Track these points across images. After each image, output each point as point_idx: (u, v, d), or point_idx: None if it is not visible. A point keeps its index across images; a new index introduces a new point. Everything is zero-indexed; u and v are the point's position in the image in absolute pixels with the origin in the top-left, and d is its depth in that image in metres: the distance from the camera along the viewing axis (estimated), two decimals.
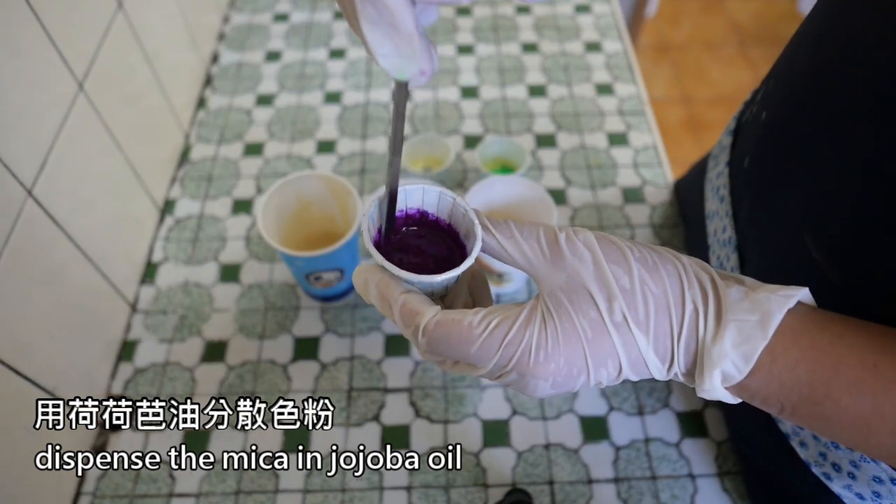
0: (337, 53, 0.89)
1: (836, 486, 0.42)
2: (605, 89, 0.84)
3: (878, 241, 0.35)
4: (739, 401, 0.30)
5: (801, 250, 0.40)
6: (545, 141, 0.78)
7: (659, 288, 0.29)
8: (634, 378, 0.30)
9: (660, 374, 0.30)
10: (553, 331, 0.28)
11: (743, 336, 0.28)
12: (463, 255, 0.33)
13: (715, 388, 0.29)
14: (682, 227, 0.70)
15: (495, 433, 0.56)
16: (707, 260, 0.55)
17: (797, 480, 0.46)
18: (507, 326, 0.28)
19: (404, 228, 0.35)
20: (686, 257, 0.30)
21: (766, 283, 0.29)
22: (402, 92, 0.29)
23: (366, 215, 0.32)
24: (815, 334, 0.28)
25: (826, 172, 0.39)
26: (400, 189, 0.33)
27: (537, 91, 0.83)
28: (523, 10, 0.94)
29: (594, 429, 0.56)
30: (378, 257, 0.30)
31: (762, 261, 0.46)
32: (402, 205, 0.34)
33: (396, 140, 0.30)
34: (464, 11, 0.94)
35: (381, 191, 0.33)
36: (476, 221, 0.31)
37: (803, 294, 0.29)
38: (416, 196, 0.34)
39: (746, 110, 0.53)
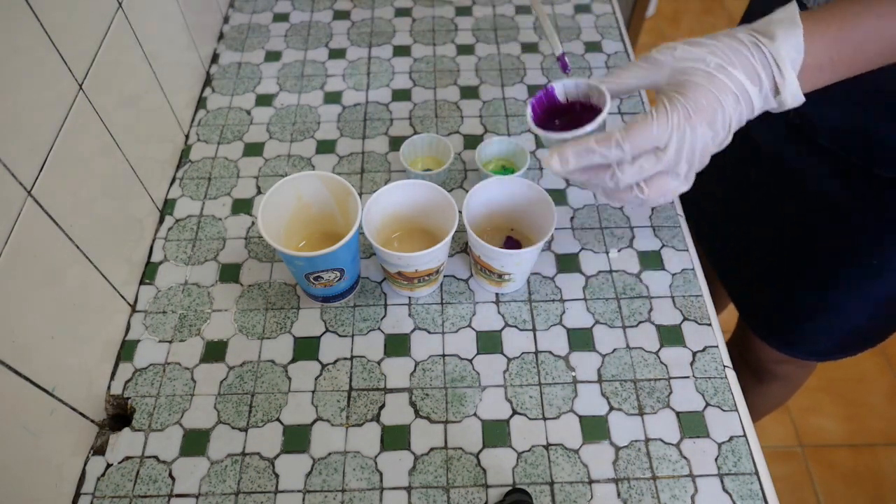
0: (337, 53, 0.89)
1: None
2: None
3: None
4: (804, 95, 0.44)
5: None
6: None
7: (727, 46, 0.44)
8: (745, 111, 0.44)
9: (757, 97, 0.43)
10: (691, 95, 0.43)
11: (786, 32, 0.42)
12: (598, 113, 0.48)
13: (791, 76, 0.42)
14: None
15: (495, 433, 0.56)
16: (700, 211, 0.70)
17: None
18: (664, 108, 0.44)
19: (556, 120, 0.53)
20: (733, 28, 0.46)
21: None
22: None
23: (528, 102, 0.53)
24: (817, 10, 0.44)
25: None
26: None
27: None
28: (523, 10, 0.94)
29: (594, 429, 0.56)
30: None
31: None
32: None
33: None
34: (464, 11, 0.94)
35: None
36: (597, 86, 0.49)
37: (794, 4, 0.44)
38: (559, 89, 0.53)
39: None
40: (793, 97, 0.43)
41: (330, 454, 0.55)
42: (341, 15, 0.94)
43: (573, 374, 0.59)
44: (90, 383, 0.57)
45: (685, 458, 0.55)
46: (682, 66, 0.44)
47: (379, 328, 0.62)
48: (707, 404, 0.57)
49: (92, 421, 0.56)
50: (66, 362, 0.52)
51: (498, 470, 0.54)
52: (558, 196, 0.72)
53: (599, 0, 0.95)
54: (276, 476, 0.54)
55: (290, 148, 0.78)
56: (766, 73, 0.43)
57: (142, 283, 0.66)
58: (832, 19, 0.43)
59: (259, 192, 0.73)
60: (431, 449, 0.55)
